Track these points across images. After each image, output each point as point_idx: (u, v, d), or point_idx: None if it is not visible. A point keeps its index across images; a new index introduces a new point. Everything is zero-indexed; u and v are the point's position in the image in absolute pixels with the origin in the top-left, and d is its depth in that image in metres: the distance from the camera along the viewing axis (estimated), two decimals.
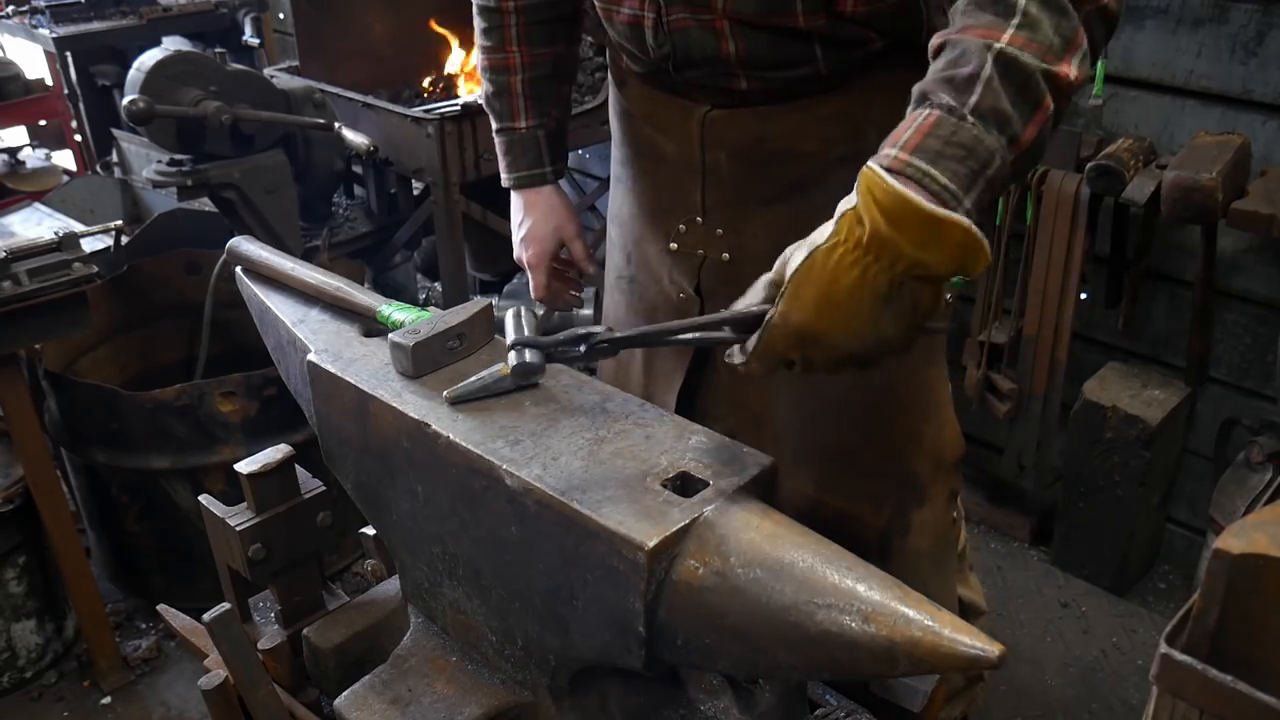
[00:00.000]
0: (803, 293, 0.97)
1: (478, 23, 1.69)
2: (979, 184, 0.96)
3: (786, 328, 0.98)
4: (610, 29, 1.54)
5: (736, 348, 1.05)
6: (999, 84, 0.98)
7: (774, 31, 1.36)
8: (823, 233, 0.98)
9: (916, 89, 1.03)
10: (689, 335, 1.11)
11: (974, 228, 0.91)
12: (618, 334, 1.11)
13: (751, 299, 1.05)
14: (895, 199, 0.91)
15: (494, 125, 1.74)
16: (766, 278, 1.05)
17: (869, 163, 0.95)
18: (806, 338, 0.98)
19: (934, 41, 1.06)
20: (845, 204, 0.97)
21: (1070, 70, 1.01)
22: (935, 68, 1.03)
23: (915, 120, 0.99)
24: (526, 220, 1.75)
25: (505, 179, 1.75)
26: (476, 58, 1.74)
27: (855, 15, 1.33)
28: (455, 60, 3.68)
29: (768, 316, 1.00)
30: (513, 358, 1.13)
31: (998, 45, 0.98)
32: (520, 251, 1.77)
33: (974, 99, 0.97)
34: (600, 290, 3.91)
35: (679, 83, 1.49)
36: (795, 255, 0.99)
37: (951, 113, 0.97)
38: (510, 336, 1.15)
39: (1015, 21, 0.99)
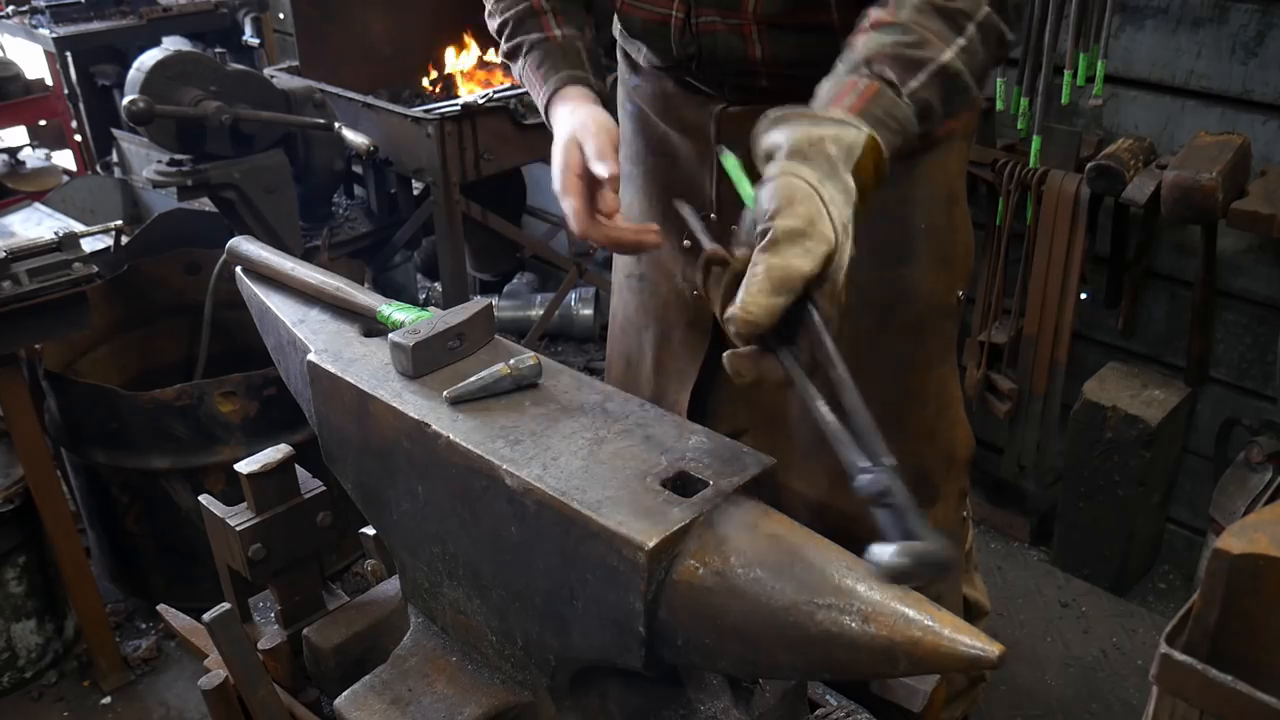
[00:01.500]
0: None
1: None
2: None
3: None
4: (629, 26, 1.53)
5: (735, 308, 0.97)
6: (938, 83, 1.08)
7: (803, 31, 1.35)
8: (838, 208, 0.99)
9: (859, 50, 1.10)
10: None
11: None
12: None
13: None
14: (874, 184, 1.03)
15: (523, 50, 1.44)
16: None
17: (847, 123, 1.02)
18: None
19: (876, 14, 1.13)
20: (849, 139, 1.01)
21: (979, 97, 1.21)
22: (881, 40, 1.09)
23: (855, 86, 1.06)
24: (567, 126, 1.35)
25: (545, 92, 1.40)
26: (490, 21, 1.52)
27: None
28: (456, 60, 3.68)
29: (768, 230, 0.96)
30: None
31: (947, 54, 1.10)
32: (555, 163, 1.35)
33: (915, 84, 1.07)
34: (601, 290, 3.92)
35: (697, 79, 1.49)
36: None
37: (891, 87, 1.06)
38: None
39: (961, 43, 1.11)
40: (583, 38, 1.46)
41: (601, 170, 1.25)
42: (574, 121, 1.31)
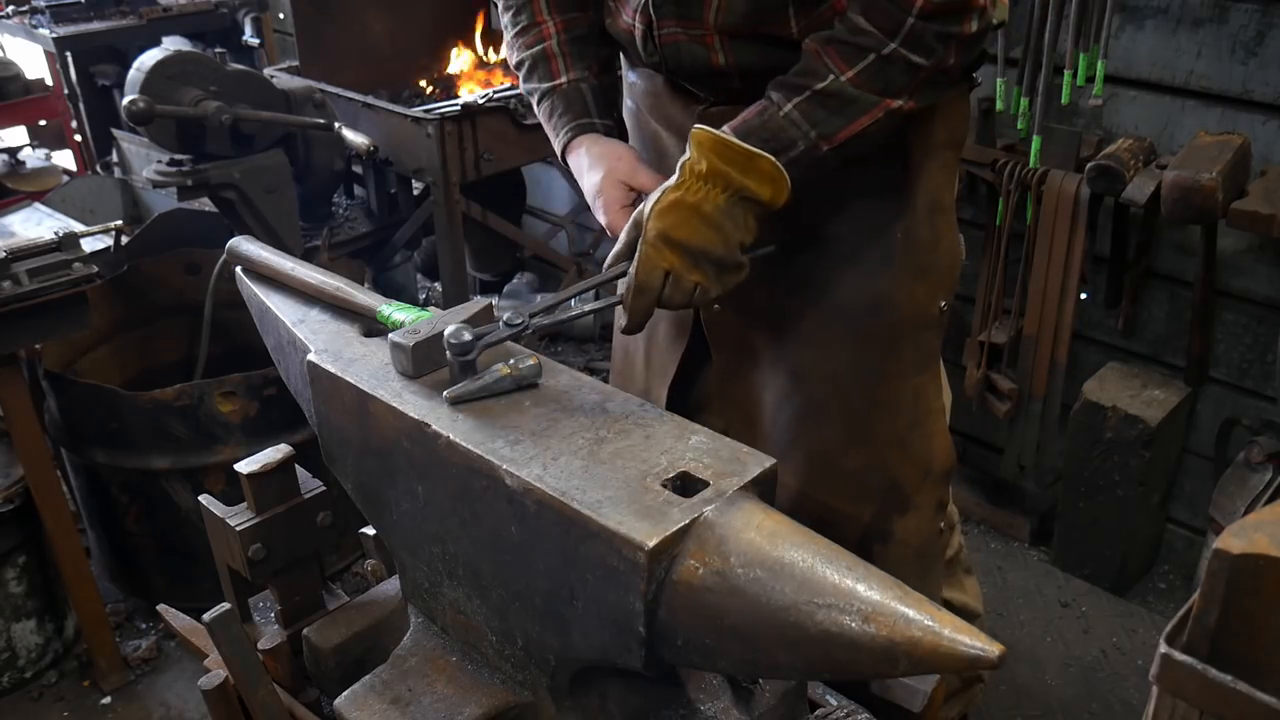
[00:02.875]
0: (665, 213, 1.28)
1: (505, 13, 1.64)
2: (781, 159, 1.27)
3: (656, 240, 1.27)
4: (610, 29, 1.55)
5: (619, 307, 1.32)
6: (821, 99, 1.28)
7: (765, 41, 1.37)
8: (669, 182, 1.29)
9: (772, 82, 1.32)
10: (589, 307, 1.35)
11: (779, 163, 1.26)
12: (533, 312, 1.28)
13: (614, 257, 1.35)
14: (719, 141, 1.26)
15: (536, 99, 1.61)
16: (622, 236, 1.34)
17: (696, 125, 1.28)
18: (671, 241, 1.27)
19: (807, 43, 1.31)
20: (683, 159, 1.28)
21: (898, 104, 1.30)
22: (793, 69, 1.31)
23: (747, 110, 1.31)
24: (588, 177, 1.52)
25: (558, 145, 1.59)
26: (509, 52, 1.65)
27: None
28: (456, 60, 3.68)
29: (641, 239, 1.28)
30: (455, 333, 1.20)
31: (826, 80, 1.28)
32: (596, 214, 1.53)
33: (795, 100, 1.28)
34: (600, 290, 3.92)
35: (675, 81, 1.51)
36: (648, 200, 1.29)
37: (771, 104, 1.30)
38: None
39: (862, 65, 1.27)
40: (589, 78, 1.60)
41: None
42: (604, 166, 1.50)
